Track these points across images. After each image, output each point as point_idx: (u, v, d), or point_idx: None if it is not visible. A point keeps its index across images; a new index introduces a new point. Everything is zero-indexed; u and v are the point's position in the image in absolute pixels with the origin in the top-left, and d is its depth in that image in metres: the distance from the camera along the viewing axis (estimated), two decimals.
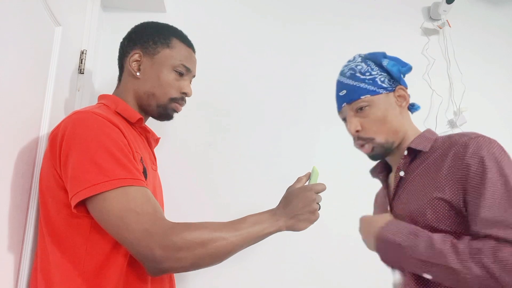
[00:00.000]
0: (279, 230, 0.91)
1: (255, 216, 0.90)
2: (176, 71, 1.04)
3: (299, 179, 1.00)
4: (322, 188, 0.96)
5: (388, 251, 0.89)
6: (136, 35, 1.07)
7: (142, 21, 1.12)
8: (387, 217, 0.95)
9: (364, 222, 0.99)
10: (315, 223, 0.95)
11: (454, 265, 0.76)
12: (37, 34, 1.00)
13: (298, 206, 0.92)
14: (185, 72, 1.06)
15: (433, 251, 0.80)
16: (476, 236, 0.79)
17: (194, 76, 1.12)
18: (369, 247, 0.97)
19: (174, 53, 1.04)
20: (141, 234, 0.77)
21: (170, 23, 1.13)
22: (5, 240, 0.87)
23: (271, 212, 0.93)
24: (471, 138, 0.85)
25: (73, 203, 0.80)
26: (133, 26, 1.12)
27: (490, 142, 0.84)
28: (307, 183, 0.99)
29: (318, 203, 0.95)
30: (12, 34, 0.86)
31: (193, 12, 1.67)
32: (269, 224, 0.89)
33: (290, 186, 0.99)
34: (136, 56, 1.04)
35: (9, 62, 0.85)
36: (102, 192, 0.78)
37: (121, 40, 1.11)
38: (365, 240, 0.98)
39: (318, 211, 0.95)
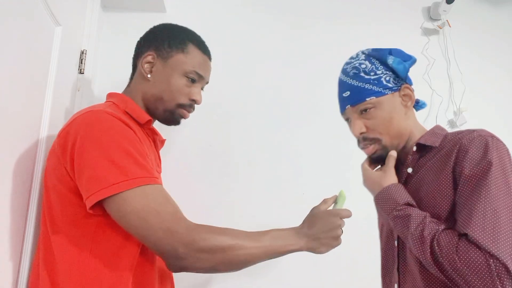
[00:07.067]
0: (300, 249, 0.90)
1: (278, 231, 0.89)
2: (187, 77, 1.02)
3: (325, 201, 0.97)
4: (348, 214, 0.93)
5: (380, 208, 0.94)
6: (153, 36, 1.05)
7: (163, 22, 1.10)
8: (391, 178, 0.94)
9: (372, 177, 0.98)
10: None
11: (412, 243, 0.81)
12: (37, 34, 1.00)
13: (322, 230, 0.90)
14: (197, 79, 1.04)
15: (408, 228, 0.83)
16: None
17: (207, 82, 1.10)
18: (368, 189, 1.01)
19: (188, 58, 1.02)
20: (163, 233, 0.78)
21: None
22: (5, 240, 0.87)
23: (295, 230, 0.91)
24: (480, 135, 0.84)
25: (90, 203, 0.79)
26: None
27: (498, 142, 0.83)
28: (332, 207, 0.97)
29: (341, 229, 0.93)
30: (12, 34, 0.86)
31: (193, 12, 1.67)
32: (291, 241, 0.88)
33: (315, 207, 0.96)
34: (149, 58, 1.02)
35: (9, 62, 0.85)
36: (121, 192, 0.78)
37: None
38: (366, 187, 1.01)
39: (341, 237, 0.93)
